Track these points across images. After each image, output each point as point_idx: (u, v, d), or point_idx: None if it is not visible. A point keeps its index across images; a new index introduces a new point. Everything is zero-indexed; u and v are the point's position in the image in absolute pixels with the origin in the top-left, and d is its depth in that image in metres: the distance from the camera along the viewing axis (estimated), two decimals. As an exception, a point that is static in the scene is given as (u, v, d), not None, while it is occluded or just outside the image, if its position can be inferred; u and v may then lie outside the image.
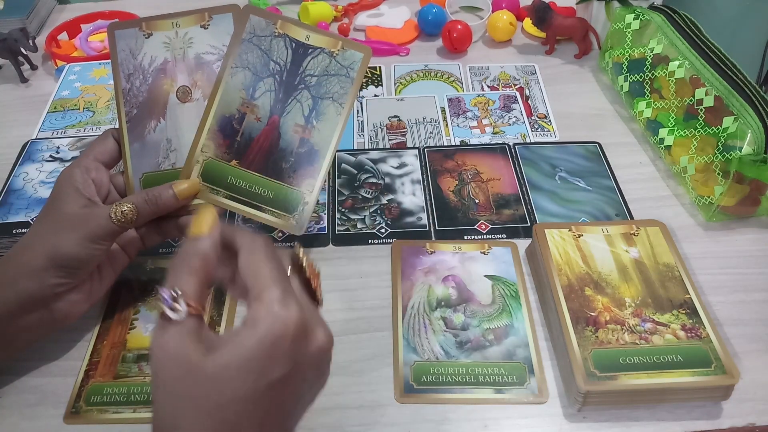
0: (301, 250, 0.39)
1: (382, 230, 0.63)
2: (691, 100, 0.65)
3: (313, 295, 0.39)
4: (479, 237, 0.62)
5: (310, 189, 0.54)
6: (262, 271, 0.35)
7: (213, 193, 0.54)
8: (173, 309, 0.33)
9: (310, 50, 0.55)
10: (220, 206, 0.54)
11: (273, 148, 0.55)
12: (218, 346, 0.33)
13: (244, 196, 0.54)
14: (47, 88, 0.84)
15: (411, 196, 0.66)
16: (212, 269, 0.36)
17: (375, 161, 0.71)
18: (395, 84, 0.84)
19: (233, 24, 0.55)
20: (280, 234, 0.63)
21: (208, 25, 0.56)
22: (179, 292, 0.34)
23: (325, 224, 0.64)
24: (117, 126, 0.56)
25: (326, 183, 0.68)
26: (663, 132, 0.69)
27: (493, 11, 0.92)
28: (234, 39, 0.55)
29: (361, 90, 0.82)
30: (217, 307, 0.56)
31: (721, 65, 0.64)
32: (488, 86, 0.83)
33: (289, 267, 0.38)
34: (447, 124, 0.77)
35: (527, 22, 0.93)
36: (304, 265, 0.38)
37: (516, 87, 0.83)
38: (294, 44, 0.55)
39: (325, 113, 0.55)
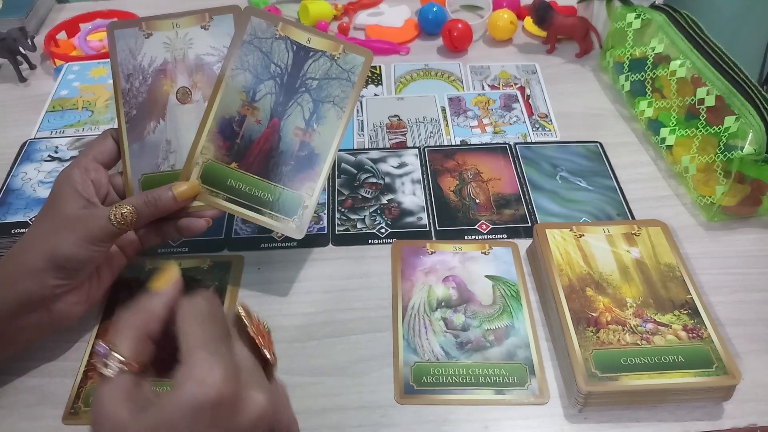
0: (242, 308, 0.36)
1: (382, 230, 0.63)
2: (692, 100, 0.65)
3: (261, 356, 0.36)
4: (480, 237, 0.62)
5: (310, 193, 0.54)
6: (191, 332, 0.34)
7: (212, 195, 0.54)
8: (104, 365, 0.33)
9: (311, 53, 0.55)
10: (219, 208, 0.54)
11: (273, 150, 0.54)
12: (147, 408, 0.32)
13: (243, 198, 0.54)
14: (46, 87, 0.84)
15: (411, 196, 0.66)
16: (156, 324, 0.35)
17: (375, 161, 0.70)
18: (395, 83, 0.84)
19: (234, 25, 0.55)
20: (280, 234, 0.63)
21: (209, 25, 0.55)
22: (114, 348, 0.33)
23: (325, 224, 0.64)
24: (116, 126, 0.56)
25: (326, 183, 0.68)
26: (664, 131, 0.69)
27: (493, 10, 0.92)
28: (235, 40, 0.55)
29: (361, 91, 0.82)
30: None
31: (723, 64, 0.64)
32: (489, 85, 0.83)
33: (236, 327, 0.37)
34: (447, 124, 0.76)
35: (528, 21, 0.93)
36: (246, 323, 0.36)
37: (517, 86, 0.83)
38: (295, 47, 0.55)
39: (325, 117, 0.55)
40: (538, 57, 0.88)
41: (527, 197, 0.66)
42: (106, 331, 0.54)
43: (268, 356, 0.36)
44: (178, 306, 0.35)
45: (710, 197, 0.62)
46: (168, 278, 0.36)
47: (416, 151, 0.72)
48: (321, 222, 0.64)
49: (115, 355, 0.33)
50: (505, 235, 0.62)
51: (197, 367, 0.32)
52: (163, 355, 0.35)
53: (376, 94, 0.82)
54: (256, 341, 0.36)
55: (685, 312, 0.51)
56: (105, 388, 0.32)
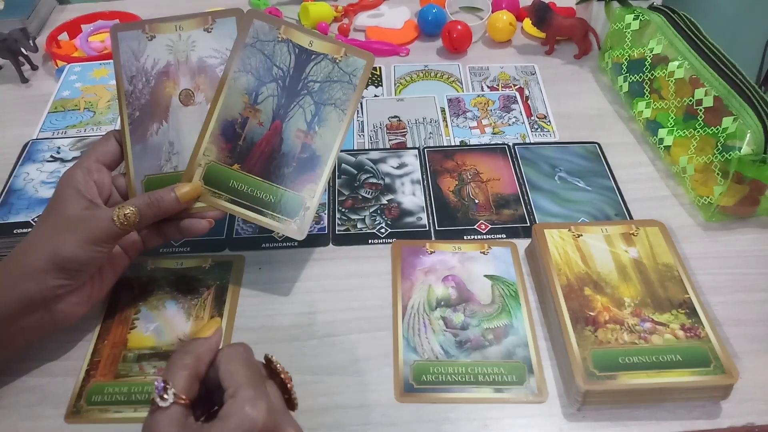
0: (273, 356, 0.42)
1: (382, 230, 0.63)
2: (690, 101, 0.66)
3: (288, 399, 0.42)
4: (479, 237, 0.63)
5: (312, 194, 0.55)
6: (237, 372, 0.39)
7: (215, 196, 0.54)
8: (162, 397, 0.37)
9: (313, 56, 0.55)
10: (221, 209, 0.54)
11: (275, 152, 0.55)
12: None
13: (245, 200, 0.54)
14: (48, 88, 0.84)
15: (411, 196, 0.67)
16: (204, 367, 0.40)
17: (375, 161, 0.71)
18: (395, 84, 0.84)
19: (237, 28, 0.56)
20: (281, 234, 0.63)
21: (212, 28, 0.56)
22: (169, 384, 0.38)
23: (325, 224, 0.64)
24: (118, 127, 0.56)
25: (327, 184, 0.68)
26: (662, 132, 0.69)
27: (492, 11, 0.92)
28: (237, 43, 0.55)
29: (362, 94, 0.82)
30: (218, 307, 0.56)
31: (721, 65, 0.65)
32: (488, 86, 0.83)
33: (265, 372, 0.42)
34: (447, 125, 0.77)
35: (527, 23, 0.93)
36: (279, 370, 0.42)
37: (516, 87, 0.83)
38: (297, 50, 0.55)
39: (327, 119, 0.55)
40: (537, 58, 0.89)
41: (526, 197, 0.66)
42: (108, 331, 0.55)
43: (295, 398, 0.42)
44: (222, 351, 0.41)
45: (708, 197, 0.63)
46: (212, 327, 0.42)
47: (416, 151, 0.72)
48: (321, 222, 0.64)
49: (170, 389, 0.38)
50: (504, 235, 0.63)
51: (246, 401, 0.37)
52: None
53: (376, 95, 0.82)
54: (288, 385, 0.42)
55: (682, 311, 0.51)
56: (160, 416, 0.37)
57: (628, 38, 0.77)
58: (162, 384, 0.38)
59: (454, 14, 0.97)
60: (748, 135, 0.59)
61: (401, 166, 0.70)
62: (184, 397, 0.38)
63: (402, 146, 0.73)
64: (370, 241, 0.62)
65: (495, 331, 0.54)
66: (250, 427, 0.37)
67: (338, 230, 0.63)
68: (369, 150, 0.73)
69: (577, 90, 0.82)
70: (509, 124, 0.77)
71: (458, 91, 0.83)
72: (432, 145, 0.73)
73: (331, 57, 0.55)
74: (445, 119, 0.77)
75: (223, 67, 0.55)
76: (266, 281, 0.59)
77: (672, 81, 0.68)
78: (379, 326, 0.55)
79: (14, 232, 0.62)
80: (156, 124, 0.55)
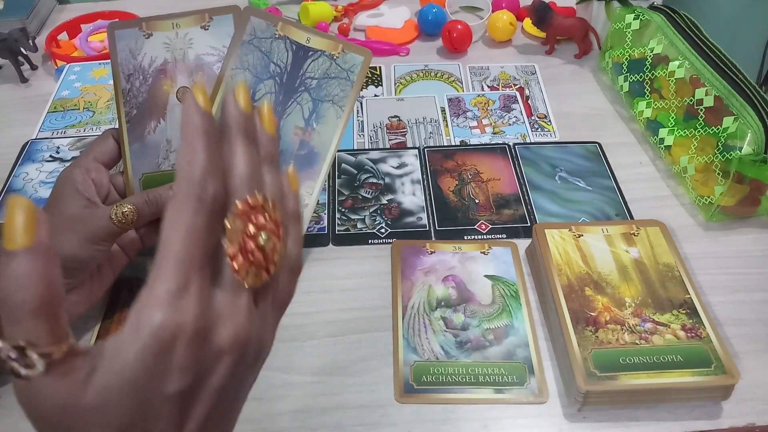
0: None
1: (382, 230, 0.63)
2: (691, 100, 0.65)
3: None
4: (479, 237, 0.62)
5: (310, 191, 0.54)
6: (170, 245, 0.26)
7: None
8: (27, 366, 0.24)
9: (310, 53, 0.55)
10: None
11: (273, 149, 0.55)
12: (97, 365, 0.25)
13: None
14: (47, 88, 0.84)
15: (411, 196, 0.66)
16: (58, 290, 0.26)
17: (375, 161, 0.71)
18: (395, 84, 0.84)
19: (234, 25, 0.55)
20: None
21: (209, 26, 0.56)
22: (25, 344, 0.24)
23: (325, 224, 0.64)
24: (117, 126, 0.56)
25: (326, 183, 0.68)
26: (663, 132, 0.69)
27: (493, 11, 0.92)
28: (234, 40, 0.55)
29: (360, 91, 0.82)
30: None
31: (721, 65, 0.64)
32: (488, 86, 0.83)
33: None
34: (447, 124, 0.76)
35: (527, 22, 0.93)
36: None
37: (516, 87, 0.83)
38: (294, 46, 0.55)
39: (325, 116, 0.55)
40: (537, 58, 0.89)
41: (526, 197, 0.66)
42: (107, 331, 0.55)
43: (239, 270, 0.27)
44: (170, 203, 0.28)
45: (709, 197, 0.62)
46: (25, 223, 0.25)
47: (416, 151, 0.72)
48: (321, 222, 0.64)
49: (32, 352, 0.24)
50: (504, 235, 0.63)
51: (165, 301, 0.26)
52: None
53: (376, 95, 0.82)
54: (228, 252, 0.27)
55: (683, 312, 0.51)
56: (35, 387, 0.26)
57: (629, 38, 0.76)
58: (12, 348, 0.24)
59: (454, 14, 0.97)
60: (749, 135, 0.58)
61: (401, 165, 0.70)
62: (56, 346, 0.25)
63: (402, 146, 0.73)
64: (370, 241, 0.62)
65: (495, 331, 0.54)
66: (171, 338, 0.25)
67: (338, 230, 0.63)
68: (369, 150, 0.72)
69: (577, 90, 0.82)
70: (509, 124, 0.76)
71: (458, 91, 0.83)
72: (432, 144, 0.73)
73: (328, 53, 0.55)
74: (445, 119, 0.77)
75: (220, 64, 0.55)
76: (265, 281, 0.59)
77: (672, 81, 0.68)
78: (379, 326, 0.55)
79: (13, 231, 0.62)
80: (154, 122, 0.55)
